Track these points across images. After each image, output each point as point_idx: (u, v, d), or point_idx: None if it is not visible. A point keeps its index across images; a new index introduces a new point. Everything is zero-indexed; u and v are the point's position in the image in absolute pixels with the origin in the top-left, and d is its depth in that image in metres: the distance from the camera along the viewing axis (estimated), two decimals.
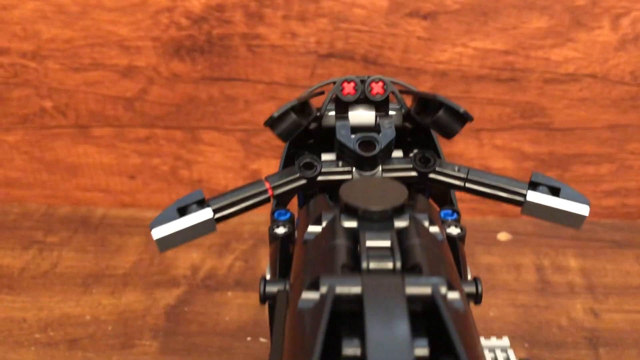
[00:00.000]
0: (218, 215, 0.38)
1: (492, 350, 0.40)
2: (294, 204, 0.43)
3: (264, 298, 0.32)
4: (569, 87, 0.73)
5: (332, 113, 0.40)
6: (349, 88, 0.39)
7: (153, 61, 0.75)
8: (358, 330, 0.25)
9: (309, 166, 0.39)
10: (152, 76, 0.76)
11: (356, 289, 0.25)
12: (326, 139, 0.40)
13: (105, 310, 0.64)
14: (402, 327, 0.23)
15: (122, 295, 0.66)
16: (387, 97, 0.40)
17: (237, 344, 0.60)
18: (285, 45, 0.73)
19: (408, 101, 0.41)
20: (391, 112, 0.40)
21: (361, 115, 0.40)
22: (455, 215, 0.38)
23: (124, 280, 0.68)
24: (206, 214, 0.37)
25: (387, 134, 0.38)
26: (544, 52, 0.72)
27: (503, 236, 0.76)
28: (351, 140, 0.38)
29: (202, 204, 0.37)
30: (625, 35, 0.71)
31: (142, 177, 0.81)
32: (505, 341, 0.40)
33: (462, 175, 0.39)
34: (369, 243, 0.28)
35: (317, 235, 0.31)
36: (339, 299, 0.25)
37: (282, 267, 0.37)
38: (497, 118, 0.75)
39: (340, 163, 0.39)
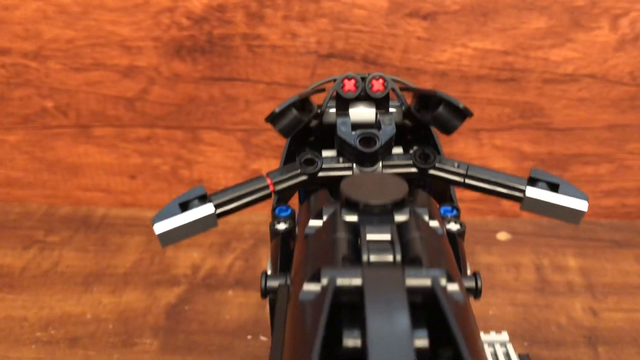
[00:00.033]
0: (219, 210, 0.38)
1: (491, 344, 0.40)
2: (294, 202, 0.43)
3: (265, 292, 0.32)
4: (568, 87, 0.73)
5: (333, 110, 0.40)
6: (349, 85, 0.39)
7: (154, 61, 0.75)
8: (358, 322, 0.25)
9: (310, 162, 0.39)
10: (153, 76, 0.76)
11: (357, 281, 0.25)
12: (327, 136, 0.41)
13: (106, 309, 0.64)
14: (402, 318, 0.23)
15: (122, 294, 0.66)
16: (388, 94, 0.40)
17: (238, 343, 0.60)
18: (286, 46, 0.73)
19: (408, 100, 0.42)
20: (391, 109, 0.40)
21: (362, 112, 0.40)
22: (455, 212, 0.39)
23: (125, 279, 0.69)
24: (208, 209, 0.37)
25: (388, 130, 0.38)
26: (543, 53, 0.72)
27: (502, 236, 0.76)
28: (352, 137, 0.38)
29: (203, 199, 0.38)
30: (624, 36, 0.71)
31: (143, 177, 0.81)
32: (504, 336, 0.40)
33: (461, 171, 0.39)
34: (370, 236, 0.28)
35: (318, 229, 0.31)
36: (340, 291, 0.25)
37: (282, 262, 0.37)
38: (497, 118, 0.75)
39: (340, 159, 0.39)
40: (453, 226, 0.37)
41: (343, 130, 0.38)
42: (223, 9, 0.72)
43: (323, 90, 0.41)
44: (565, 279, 0.68)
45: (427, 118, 0.38)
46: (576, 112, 0.75)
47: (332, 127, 0.39)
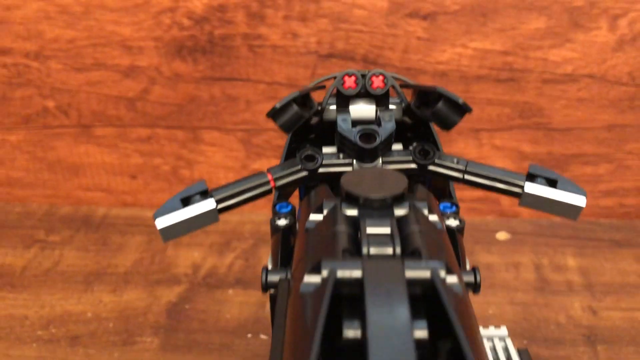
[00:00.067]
0: (221, 205, 0.38)
1: (490, 339, 0.40)
2: (295, 199, 0.43)
3: (266, 287, 0.32)
4: (567, 87, 0.74)
5: (333, 107, 0.41)
6: (349, 82, 0.39)
7: (155, 61, 0.75)
8: (358, 313, 0.25)
9: (311, 158, 0.39)
10: (154, 76, 0.76)
11: (357, 273, 0.25)
12: (327, 133, 0.41)
13: (107, 308, 0.64)
14: (402, 309, 0.24)
15: (123, 293, 0.66)
16: (388, 91, 0.40)
17: (238, 341, 0.60)
18: (286, 46, 0.74)
19: (408, 97, 0.42)
20: (391, 106, 0.41)
21: (362, 109, 0.40)
22: (454, 208, 0.39)
23: (125, 278, 0.69)
24: (209, 204, 0.38)
25: (388, 126, 0.39)
26: (542, 53, 0.72)
27: (502, 235, 0.76)
28: (352, 133, 0.38)
29: (205, 194, 0.38)
30: (623, 36, 0.71)
31: (144, 176, 0.82)
32: (503, 330, 0.40)
33: (461, 167, 0.39)
34: (370, 230, 0.28)
35: (319, 223, 0.31)
36: (340, 283, 0.25)
37: (283, 258, 0.37)
38: (496, 118, 0.76)
39: (341, 155, 0.39)
40: (452, 222, 0.37)
41: (343, 127, 0.38)
42: (224, 9, 0.73)
43: (324, 87, 0.41)
44: (564, 278, 0.68)
45: (427, 114, 0.38)
46: (575, 112, 0.75)
47: (333, 124, 0.40)
